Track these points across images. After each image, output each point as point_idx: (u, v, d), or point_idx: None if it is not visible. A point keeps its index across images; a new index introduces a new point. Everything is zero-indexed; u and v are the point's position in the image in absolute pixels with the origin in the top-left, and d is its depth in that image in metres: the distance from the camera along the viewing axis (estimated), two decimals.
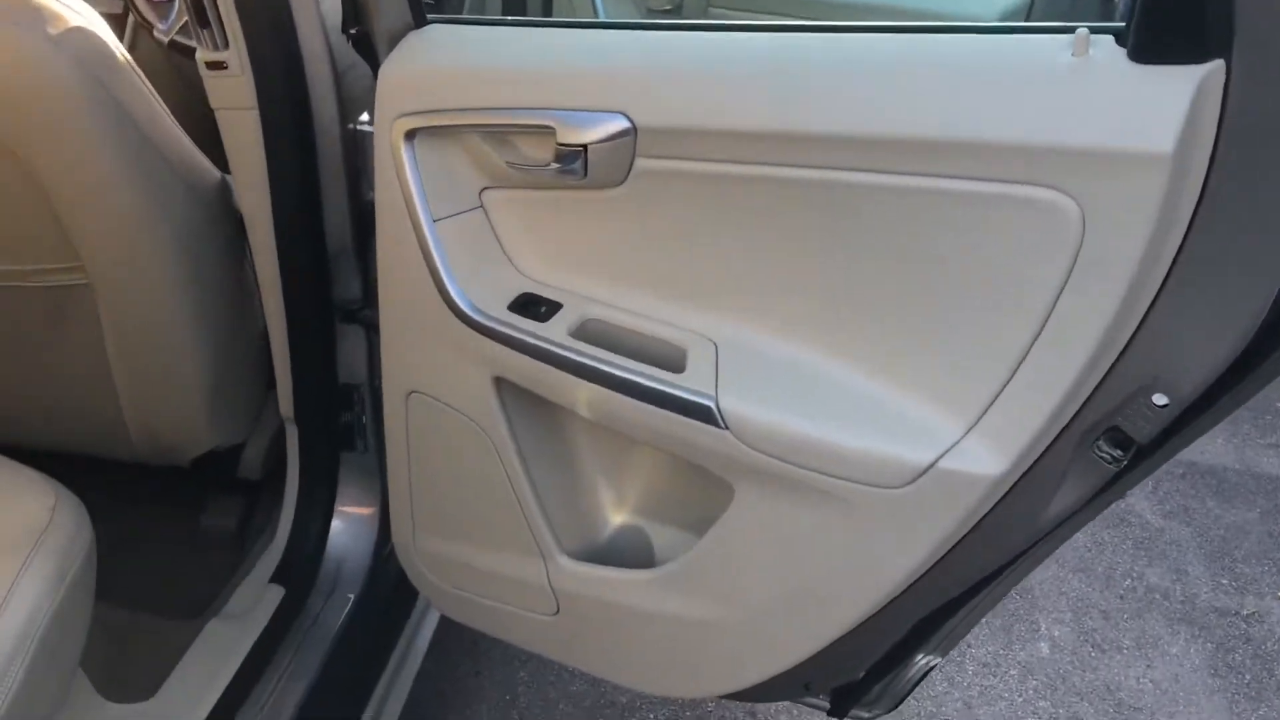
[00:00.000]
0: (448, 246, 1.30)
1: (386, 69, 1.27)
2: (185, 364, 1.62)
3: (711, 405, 1.17)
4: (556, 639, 1.54)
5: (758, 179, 1.10)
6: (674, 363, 1.23)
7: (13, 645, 1.18)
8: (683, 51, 1.14)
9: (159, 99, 1.48)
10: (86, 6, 1.39)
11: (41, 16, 1.31)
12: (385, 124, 1.28)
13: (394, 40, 1.30)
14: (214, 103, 1.44)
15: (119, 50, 1.40)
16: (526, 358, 1.27)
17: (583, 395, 1.26)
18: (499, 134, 1.24)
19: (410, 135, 1.27)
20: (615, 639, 1.47)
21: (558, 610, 1.49)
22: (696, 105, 1.11)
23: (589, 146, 1.16)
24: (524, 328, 1.27)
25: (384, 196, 1.31)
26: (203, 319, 1.61)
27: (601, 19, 2.45)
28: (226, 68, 1.39)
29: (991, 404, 1.06)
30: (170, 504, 1.92)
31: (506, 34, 1.29)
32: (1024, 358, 1.02)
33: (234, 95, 1.41)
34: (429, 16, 1.32)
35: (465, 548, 1.54)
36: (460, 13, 1.56)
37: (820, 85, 1.03)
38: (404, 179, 1.28)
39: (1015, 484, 1.10)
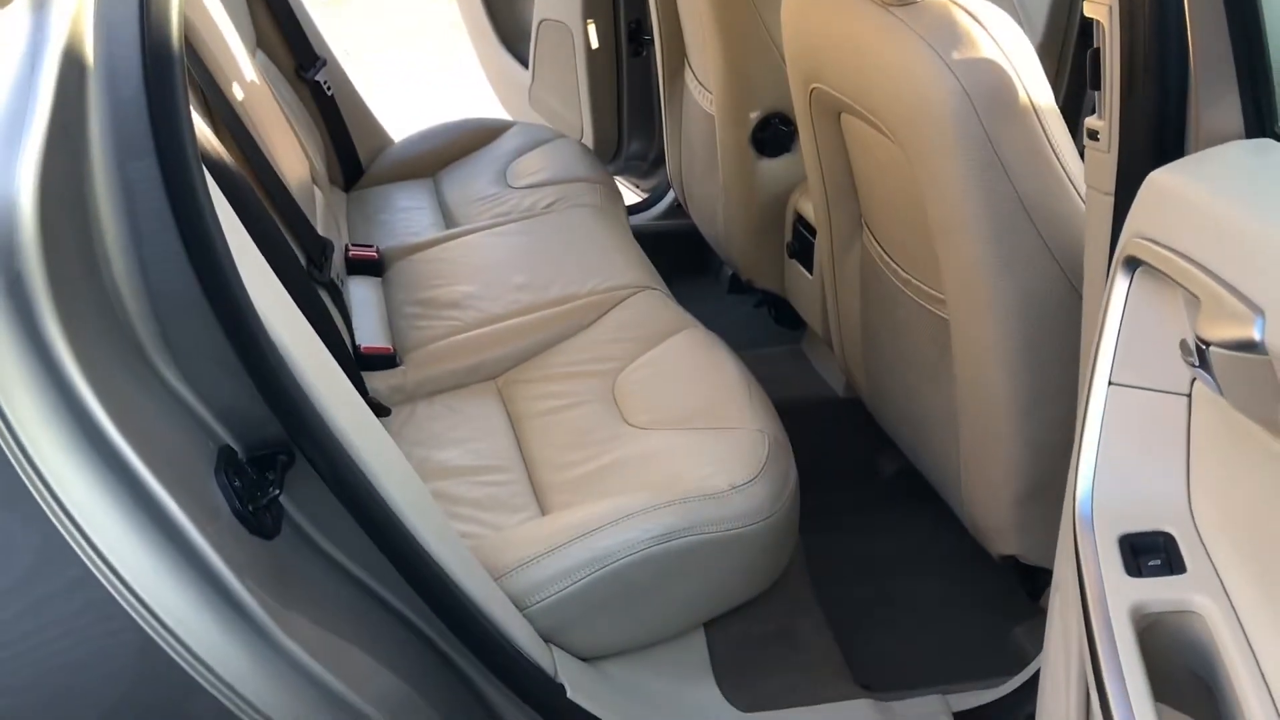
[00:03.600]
0: (1110, 421, 0.93)
1: (1160, 173, 0.93)
2: (1005, 442, 1.45)
3: None
4: None
5: None
6: None
7: (585, 558, 1.31)
8: None
9: (1063, 153, 1.31)
10: (1019, 41, 1.29)
11: (954, 39, 1.27)
12: (1123, 238, 0.95)
13: (1209, 141, 0.94)
14: (1085, 177, 1.22)
15: (1027, 93, 1.27)
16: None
17: None
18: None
19: (1132, 263, 0.92)
20: None
21: None
22: None
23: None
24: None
25: (1086, 324, 0.99)
26: (1030, 405, 1.41)
27: None
28: (1097, 140, 1.16)
29: None
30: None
31: None
32: None
33: (1095, 173, 1.18)
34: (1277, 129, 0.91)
35: None
36: None
37: None
38: (1107, 311, 0.94)
39: None
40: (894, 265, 1.66)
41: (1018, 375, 1.40)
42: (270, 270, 1.18)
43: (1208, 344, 0.72)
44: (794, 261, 2.17)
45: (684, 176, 2.61)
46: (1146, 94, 1.08)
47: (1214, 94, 0.94)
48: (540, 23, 2.93)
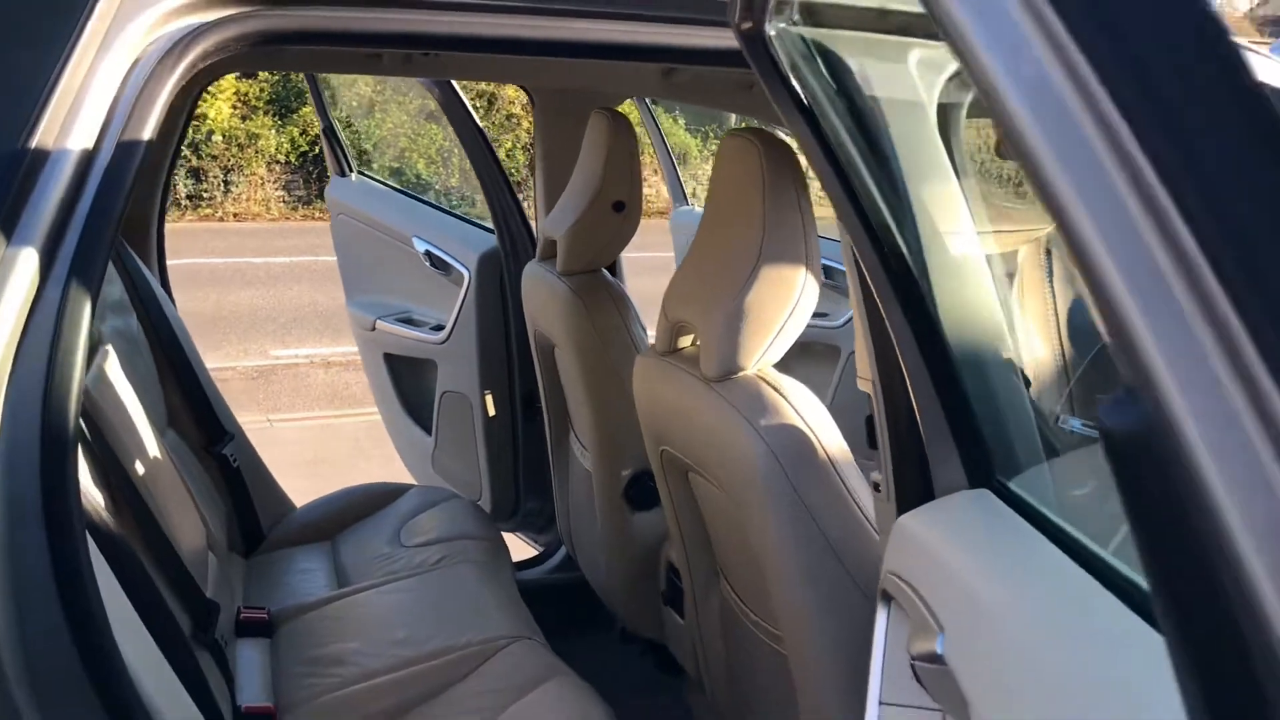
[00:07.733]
0: None
1: (905, 518, 1.11)
2: None
3: None
4: None
5: None
6: None
7: None
8: None
9: (860, 500, 1.49)
10: (816, 406, 1.51)
11: (760, 408, 1.48)
12: (880, 576, 1.11)
13: (943, 492, 1.13)
14: (876, 522, 1.40)
15: (825, 450, 1.48)
16: None
17: None
18: None
19: (886, 597, 1.08)
20: None
21: None
22: None
23: None
24: None
25: None
26: None
27: None
28: (879, 491, 1.36)
29: None
30: None
31: None
32: None
33: (881, 519, 1.36)
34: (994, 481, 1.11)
35: None
36: None
37: None
38: (874, 641, 1.09)
39: None
40: (745, 609, 1.79)
41: (851, 706, 1.51)
42: (149, 637, 1.28)
43: (914, 659, 0.86)
44: (669, 609, 2.29)
45: (572, 531, 2.77)
46: (906, 453, 1.29)
47: (940, 453, 1.14)
48: (443, 394, 3.18)
